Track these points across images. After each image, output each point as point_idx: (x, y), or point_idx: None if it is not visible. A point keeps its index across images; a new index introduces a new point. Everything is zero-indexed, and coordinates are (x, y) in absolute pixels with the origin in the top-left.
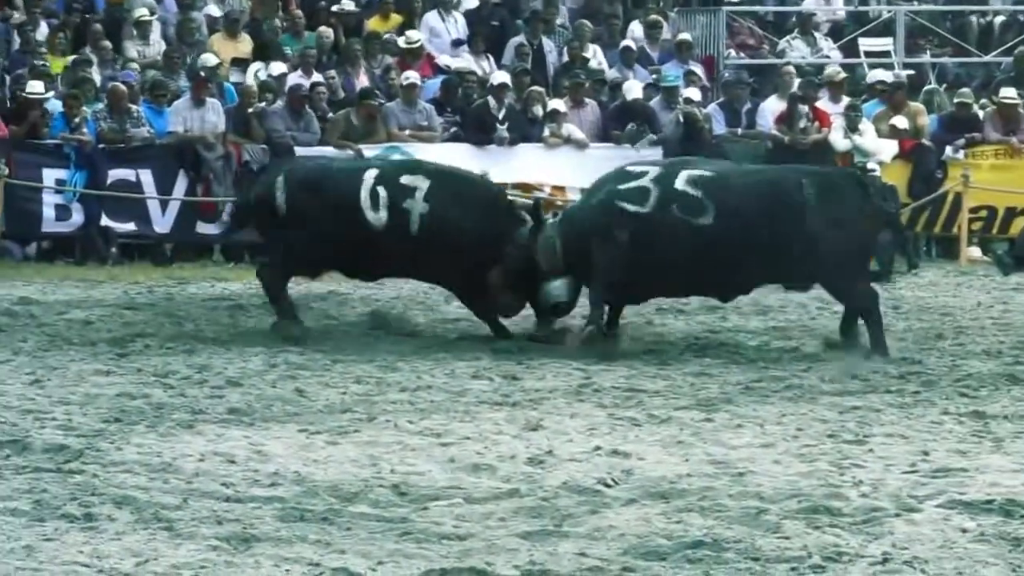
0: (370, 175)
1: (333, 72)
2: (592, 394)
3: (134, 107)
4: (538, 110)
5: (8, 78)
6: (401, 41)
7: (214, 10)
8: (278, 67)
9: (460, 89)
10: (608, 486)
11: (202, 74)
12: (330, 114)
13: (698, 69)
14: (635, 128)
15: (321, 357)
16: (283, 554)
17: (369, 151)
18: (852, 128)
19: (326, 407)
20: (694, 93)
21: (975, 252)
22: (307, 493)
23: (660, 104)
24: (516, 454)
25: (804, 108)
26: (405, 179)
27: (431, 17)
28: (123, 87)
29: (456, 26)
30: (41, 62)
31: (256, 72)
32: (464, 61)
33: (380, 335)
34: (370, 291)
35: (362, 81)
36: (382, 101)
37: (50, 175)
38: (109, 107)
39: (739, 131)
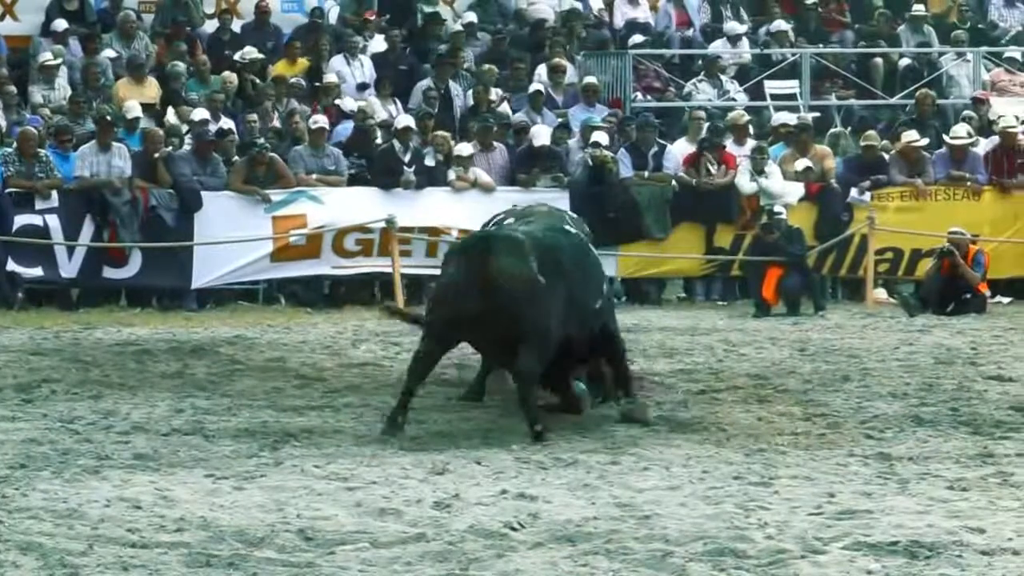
0: None
1: (254, 116)
2: (498, 437)
3: (41, 152)
4: (429, 152)
5: None
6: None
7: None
8: (200, 113)
9: (368, 134)
10: (514, 530)
11: (108, 118)
12: (235, 158)
13: (605, 112)
14: (537, 173)
15: (227, 402)
16: None
17: (276, 196)
18: (758, 171)
19: (232, 452)
20: (601, 137)
21: (881, 294)
22: (213, 538)
23: (577, 145)
24: (423, 498)
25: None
26: None
27: (337, 61)
28: (33, 131)
29: (362, 70)
30: None
31: (169, 118)
32: (370, 104)
33: (287, 379)
34: (277, 336)
35: (276, 126)
36: (267, 147)
37: None
38: (18, 152)
39: (646, 174)
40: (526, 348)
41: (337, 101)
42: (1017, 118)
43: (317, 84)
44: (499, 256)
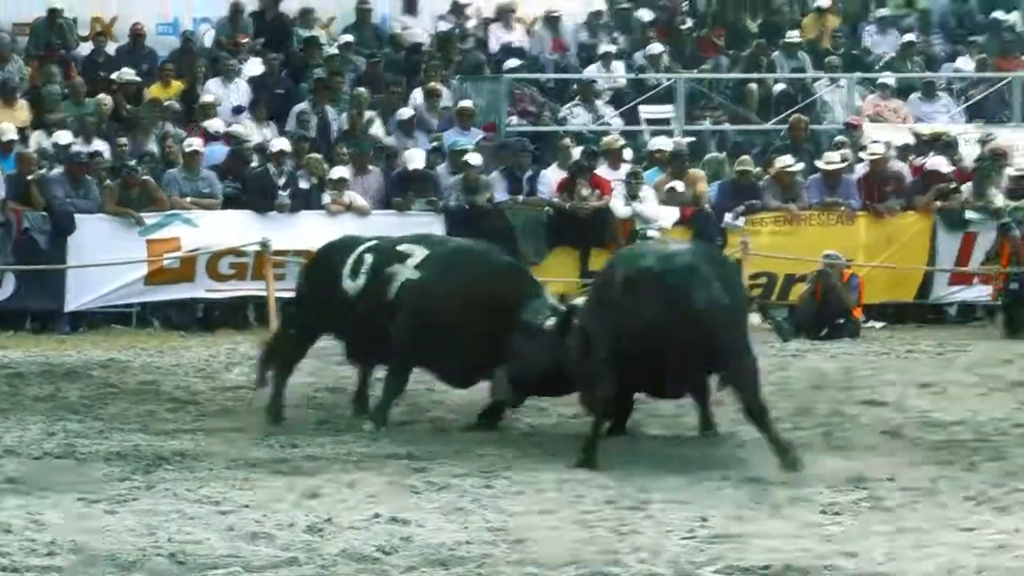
0: None
1: (124, 139)
2: (371, 461)
3: None
4: (303, 176)
5: None
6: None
7: None
8: (65, 136)
9: (243, 157)
10: (387, 554)
11: None
12: (107, 181)
13: (479, 136)
14: (411, 197)
15: (100, 425)
16: None
17: (150, 218)
18: (632, 195)
19: (104, 475)
20: (474, 158)
21: (755, 318)
22: (85, 563)
23: (446, 170)
24: (295, 522)
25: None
26: None
27: (213, 84)
28: None
29: (238, 92)
30: None
31: (37, 140)
32: (244, 128)
33: (160, 402)
34: (151, 359)
35: (151, 149)
36: (137, 170)
37: None
38: None
39: (520, 198)
40: (739, 383)
41: (205, 123)
42: (888, 144)
43: (194, 106)
44: (686, 287)
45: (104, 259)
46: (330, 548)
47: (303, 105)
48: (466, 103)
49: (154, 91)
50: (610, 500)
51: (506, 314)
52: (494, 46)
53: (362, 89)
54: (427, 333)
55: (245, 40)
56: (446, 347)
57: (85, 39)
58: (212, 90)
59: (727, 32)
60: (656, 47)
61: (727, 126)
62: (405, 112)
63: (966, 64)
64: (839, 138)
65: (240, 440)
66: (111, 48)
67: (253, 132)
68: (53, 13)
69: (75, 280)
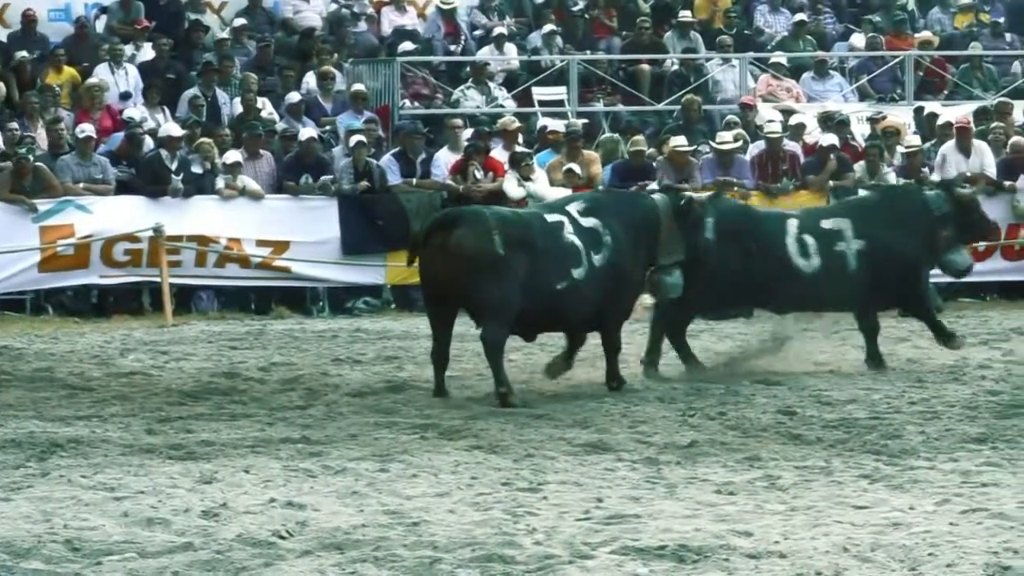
0: None
1: (15, 124)
2: (267, 446)
3: None
4: (196, 160)
5: None
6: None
7: None
8: None
9: (137, 141)
10: (283, 538)
11: None
12: None
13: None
14: (308, 180)
15: None
16: None
17: (43, 205)
18: (525, 177)
19: None
20: (362, 138)
21: (647, 300)
22: None
23: (341, 152)
24: (190, 507)
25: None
26: None
27: (101, 69)
28: None
29: (127, 79)
30: None
31: None
32: (138, 112)
33: (55, 389)
34: (45, 346)
35: (40, 135)
36: (27, 157)
37: None
38: None
39: (414, 181)
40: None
41: (122, 109)
42: (782, 119)
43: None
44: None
45: None
46: (226, 533)
47: (194, 90)
48: (359, 86)
49: (48, 78)
50: (505, 482)
51: None
52: (386, 29)
53: (246, 73)
54: None
55: (143, 26)
56: None
57: None
58: (100, 75)
59: (619, 13)
60: (550, 26)
61: (620, 107)
62: (293, 96)
63: (858, 42)
64: (730, 117)
65: (134, 426)
66: (3, 34)
67: (147, 117)
68: None
69: None
